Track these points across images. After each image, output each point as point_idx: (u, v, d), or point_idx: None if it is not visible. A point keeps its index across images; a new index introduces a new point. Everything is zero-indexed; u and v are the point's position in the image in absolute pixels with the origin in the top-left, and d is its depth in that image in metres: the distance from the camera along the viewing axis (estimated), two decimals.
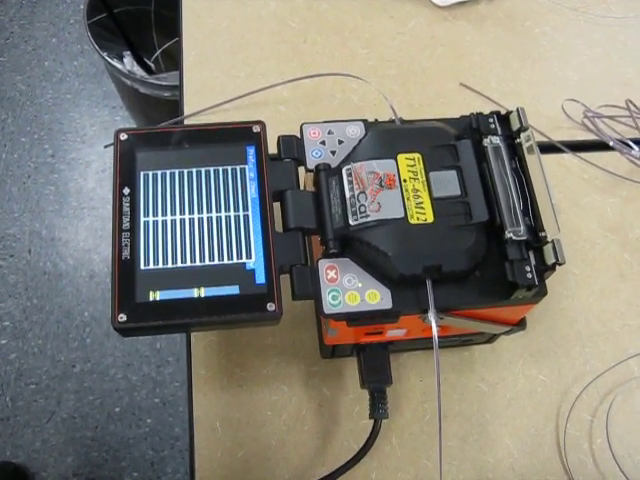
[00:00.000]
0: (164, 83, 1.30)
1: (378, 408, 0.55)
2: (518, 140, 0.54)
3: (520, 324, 0.56)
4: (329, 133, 0.55)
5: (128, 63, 1.36)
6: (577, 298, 0.66)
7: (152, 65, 1.42)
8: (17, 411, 1.45)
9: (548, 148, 0.72)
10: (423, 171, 0.51)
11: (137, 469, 1.41)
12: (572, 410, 0.61)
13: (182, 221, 0.50)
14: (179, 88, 0.76)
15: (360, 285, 0.49)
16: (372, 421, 0.55)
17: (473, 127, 0.54)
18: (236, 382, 0.60)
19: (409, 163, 0.51)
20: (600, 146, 0.73)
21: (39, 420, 1.45)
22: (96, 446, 1.43)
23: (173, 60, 1.43)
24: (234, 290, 0.48)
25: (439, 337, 0.49)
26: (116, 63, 1.32)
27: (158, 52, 1.41)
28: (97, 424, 1.44)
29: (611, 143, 0.71)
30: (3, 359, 1.50)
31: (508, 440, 0.60)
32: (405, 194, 0.49)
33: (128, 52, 1.39)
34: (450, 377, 0.62)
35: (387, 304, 0.48)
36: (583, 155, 0.73)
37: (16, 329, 1.53)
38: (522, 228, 0.49)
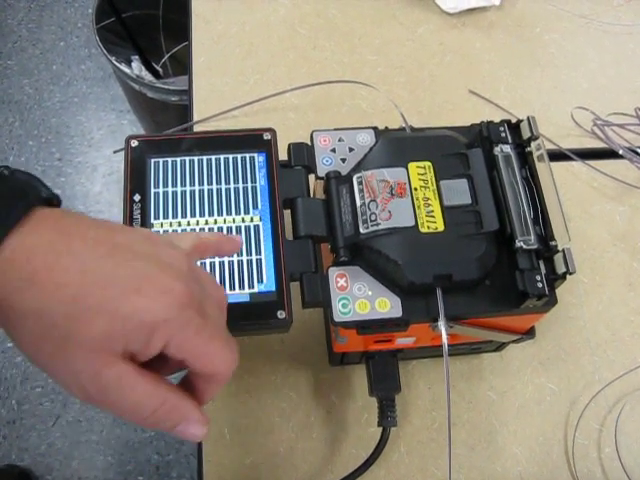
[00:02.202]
0: (172, 87, 1.30)
1: (387, 416, 0.55)
2: (528, 149, 0.54)
3: (529, 333, 0.56)
4: (339, 140, 0.55)
5: (136, 67, 1.36)
6: (586, 306, 0.66)
7: (160, 69, 1.42)
8: (23, 414, 1.45)
9: (557, 156, 0.72)
10: (434, 179, 0.51)
11: (142, 473, 1.41)
12: (581, 419, 0.61)
13: (192, 229, 0.50)
14: (188, 94, 0.76)
15: (370, 293, 0.49)
16: (380, 429, 0.55)
17: (483, 135, 0.54)
18: (244, 388, 0.60)
19: (420, 171, 0.51)
20: (609, 154, 0.73)
21: (45, 423, 1.45)
22: (101, 450, 1.43)
23: (181, 64, 1.43)
24: (244, 297, 0.48)
25: (448, 345, 0.49)
26: (124, 67, 1.32)
27: (166, 57, 1.42)
28: (102, 428, 1.44)
29: (621, 151, 0.71)
30: (9, 362, 1.50)
31: (516, 449, 0.60)
32: (416, 202, 0.49)
33: (136, 56, 1.40)
34: (459, 385, 0.62)
35: (397, 312, 0.48)
36: (592, 163, 0.73)
37: None
38: (532, 237, 0.49)
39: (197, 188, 0.52)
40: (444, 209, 0.50)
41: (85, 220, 0.35)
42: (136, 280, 0.32)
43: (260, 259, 0.49)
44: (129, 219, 0.50)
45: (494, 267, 0.49)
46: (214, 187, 0.52)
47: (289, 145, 0.55)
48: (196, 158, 0.53)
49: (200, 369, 0.35)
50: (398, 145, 0.53)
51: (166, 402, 0.34)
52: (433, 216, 0.49)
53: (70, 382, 0.33)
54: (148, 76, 1.35)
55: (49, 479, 1.40)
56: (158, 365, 0.35)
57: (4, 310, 0.32)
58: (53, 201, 0.35)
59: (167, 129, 0.76)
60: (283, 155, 0.54)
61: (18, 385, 1.48)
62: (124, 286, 0.32)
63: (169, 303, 0.32)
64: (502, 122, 0.55)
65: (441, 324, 0.48)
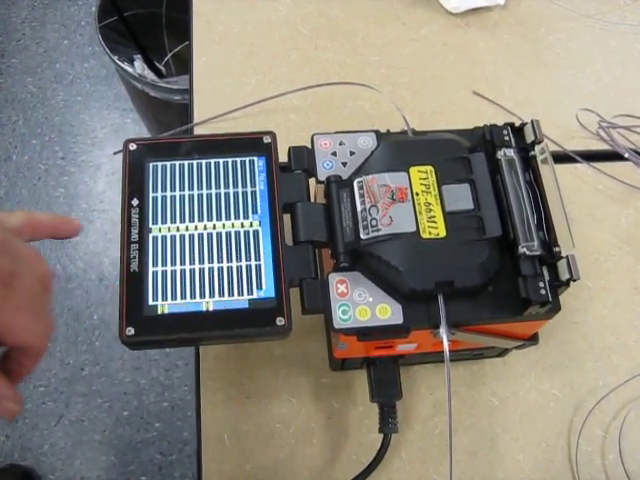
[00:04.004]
0: (174, 87, 1.29)
1: (388, 422, 0.54)
2: (532, 152, 0.53)
3: (532, 339, 0.55)
4: (340, 144, 0.54)
5: (139, 66, 1.36)
6: (590, 311, 0.65)
7: (162, 68, 1.41)
8: (26, 413, 1.45)
9: (562, 158, 0.72)
10: (436, 184, 0.50)
11: (145, 473, 1.41)
12: (584, 425, 0.60)
13: (191, 234, 0.49)
14: (189, 95, 0.75)
15: (371, 299, 0.48)
16: (381, 435, 0.54)
17: (486, 139, 0.54)
18: (245, 393, 0.60)
19: (421, 176, 0.50)
20: (615, 156, 0.72)
21: (47, 423, 1.45)
22: (104, 449, 1.42)
23: (184, 63, 1.42)
24: (243, 304, 0.47)
25: (450, 351, 0.48)
26: (127, 66, 1.31)
27: (169, 55, 1.41)
28: (105, 427, 1.44)
29: (626, 155, 0.70)
30: None
31: (519, 455, 0.59)
32: (417, 208, 0.49)
33: (139, 55, 1.39)
34: (461, 391, 0.61)
35: (398, 319, 0.48)
36: (597, 165, 0.72)
37: None
38: (536, 243, 0.48)
39: (196, 192, 0.51)
40: (446, 214, 0.49)
41: None
42: None
43: (259, 265, 0.49)
44: (127, 223, 0.49)
45: (496, 273, 0.49)
46: (213, 191, 0.51)
47: (289, 149, 0.54)
48: (195, 162, 0.52)
49: (9, 342, 0.36)
50: (399, 149, 0.52)
51: None
52: (435, 222, 0.48)
53: None
54: (151, 75, 1.35)
55: (52, 479, 1.40)
56: None
57: None
58: None
59: (170, 128, 0.75)
60: (284, 156, 0.54)
61: (21, 384, 1.46)
62: None
63: None
64: (505, 125, 0.54)
65: (442, 331, 0.48)
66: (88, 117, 1.81)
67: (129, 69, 1.31)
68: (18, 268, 0.36)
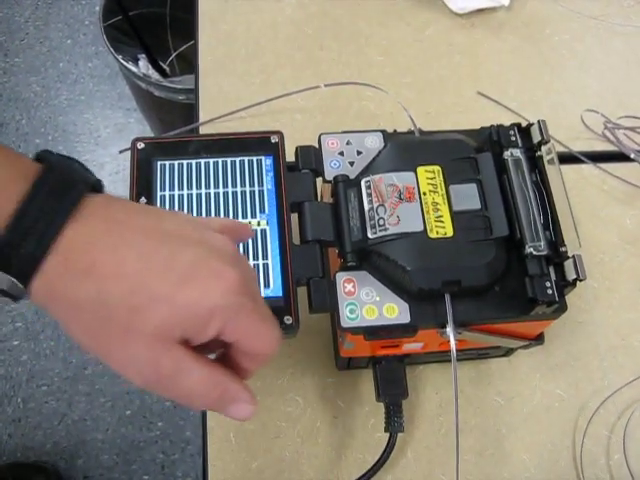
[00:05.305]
0: (179, 86, 1.30)
1: (394, 422, 0.55)
2: (539, 153, 0.53)
3: (538, 338, 0.55)
4: (347, 144, 0.54)
5: (143, 66, 1.36)
6: (596, 311, 0.65)
7: (167, 68, 1.41)
8: (28, 412, 1.45)
9: (567, 158, 0.72)
10: (443, 184, 0.50)
11: (147, 472, 1.41)
12: (589, 425, 0.60)
13: None
14: (194, 94, 0.76)
15: (378, 299, 0.48)
16: (387, 434, 0.55)
17: (493, 139, 0.54)
18: None
19: (429, 176, 0.50)
20: (620, 157, 0.72)
21: (50, 422, 1.44)
22: (107, 449, 1.42)
23: (188, 63, 1.43)
24: None
25: (456, 350, 0.48)
26: (131, 66, 1.31)
27: (173, 55, 1.41)
28: (108, 427, 1.44)
29: (632, 155, 0.70)
30: (15, 360, 1.50)
31: (524, 455, 0.59)
32: (425, 207, 0.49)
33: (143, 55, 1.39)
34: (466, 390, 0.61)
35: (405, 318, 0.48)
36: (603, 166, 0.72)
37: (28, 330, 1.53)
38: (542, 243, 0.48)
39: (204, 191, 0.51)
40: (453, 214, 0.49)
41: (131, 207, 0.35)
42: (190, 267, 0.33)
43: (267, 264, 0.49)
44: None
45: (503, 273, 0.49)
46: (221, 190, 0.51)
47: (297, 148, 0.54)
48: (203, 161, 0.52)
49: (250, 349, 0.36)
50: (407, 149, 0.52)
51: (219, 385, 0.35)
52: (442, 221, 0.49)
53: (128, 368, 0.34)
54: (155, 75, 1.35)
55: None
56: (201, 346, 0.35)
57: (58, 299, 0.32)
58: (96, 186, 0.35)
59: (174, 128, 0.75)
60: (290, 157, 0.54)
61: (24, 383, 1.48)
62: (180, 274, 0.32)
63: (224, 289, 0.33)
64: (512, 126, 0.54)
65: (449, 330, 0.48)
66: (92, 116, 1.81)
67: (133, 68, 1.31)
68: (251, 275, 0.36)
